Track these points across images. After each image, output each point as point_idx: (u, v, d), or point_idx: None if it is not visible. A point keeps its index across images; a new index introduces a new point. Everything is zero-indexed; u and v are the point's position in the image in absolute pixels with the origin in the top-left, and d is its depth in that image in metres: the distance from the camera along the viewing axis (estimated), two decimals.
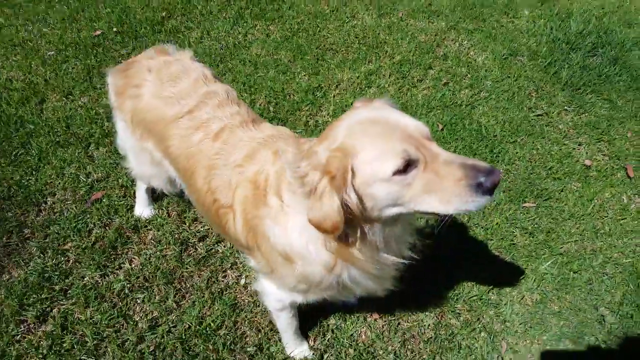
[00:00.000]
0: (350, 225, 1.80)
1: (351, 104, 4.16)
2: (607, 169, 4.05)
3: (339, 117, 1.91)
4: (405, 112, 4.22)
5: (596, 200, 3.81)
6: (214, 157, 2.37)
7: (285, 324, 2.74)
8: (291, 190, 1.92)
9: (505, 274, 3.36)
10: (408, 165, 1.66)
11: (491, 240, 3.53)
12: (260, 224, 2.12)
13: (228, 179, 2.29)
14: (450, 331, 3.08)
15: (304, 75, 4.68)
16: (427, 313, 3.13)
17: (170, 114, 2.52)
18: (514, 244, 3.53)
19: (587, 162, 4.08)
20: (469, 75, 4.84)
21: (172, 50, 2.83)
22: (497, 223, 3.62)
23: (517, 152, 4.14)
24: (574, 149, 4.22)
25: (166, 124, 2.52)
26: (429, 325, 3.09)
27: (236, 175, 2.26)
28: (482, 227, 3.59)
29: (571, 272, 3.39)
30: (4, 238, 3.29)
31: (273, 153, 2.17)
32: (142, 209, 3.50)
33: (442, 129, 4.26)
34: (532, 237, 3.57)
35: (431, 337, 3.04)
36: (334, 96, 4.48)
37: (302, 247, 2.00)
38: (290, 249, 2.05)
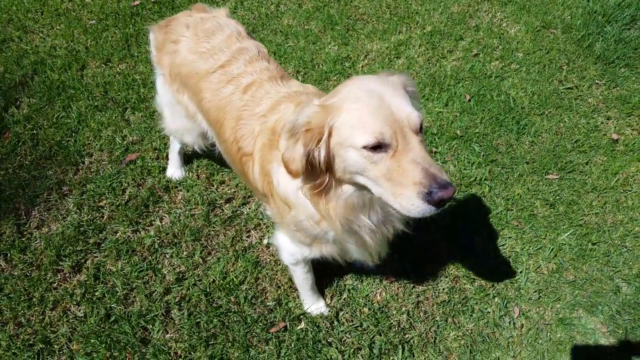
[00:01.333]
0: (323, 177, 1.93)
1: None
2: (635, 143, 4.00)
3: (352, 78, 1.99)
4: (433, 83, 4.29)
5: (621, 174, 3.79)
6: (241, 108, 2.48)
7: (301, 279, 2.88)
8: None
9: (523, 244, 3.41)
10: (379, 146, 1.73)
11: (511, 210, 3.57)
12: (270, 169, 2.24)
13: (252, 128, 2.40)
14: (464, 295, 3.16)
15: (334, 46, 4.74)
16: (442, 278, 3.22)
17: (203, 68, 2.64)
18: (534, 214, 3.56)
19: (615, 136, 4.03)
20: (500, 47, 4.80)
21: (209, 8, 2.96)
22: (518, 194, 3.65)
23: (544, 125, 4.13)
24: (602, 122, 4.18)
25: (200, 78, 2.65)
26: (443, 289, 3.18)
27: (259, 125, 2.37)
28: (503, 198, 3.63)
29: (589, 244, 3.41)
30: (45, 194, 3.51)
31: (295, 105, 2.26)
32: (174, 170, 3.67)
33: (470, 100, 4.28)
34: (553, 208, 3.59)
35: (444, 300, 3.13)
36: (362, 66, 4.54)
37: (293, 192, 2.12)
38: (287, 194, 2.17)
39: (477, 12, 5.21)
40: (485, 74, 4.53)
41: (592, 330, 3.06)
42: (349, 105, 1.80)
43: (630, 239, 3.43)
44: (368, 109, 1.77)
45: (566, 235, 3.44)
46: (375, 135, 1.71)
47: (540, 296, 3.19)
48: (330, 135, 1.82)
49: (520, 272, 3.28)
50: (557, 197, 3.65)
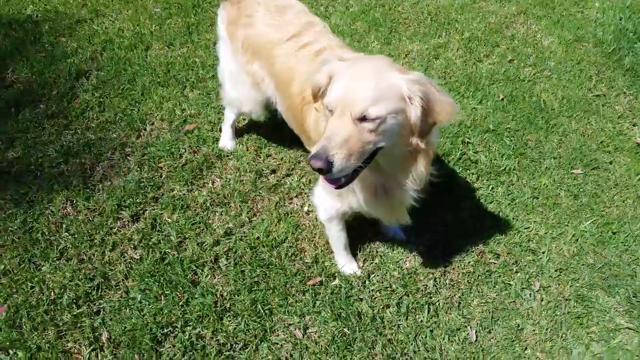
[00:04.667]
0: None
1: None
2: None
3: (376, 56, 2.50)
4: (469, 82, 4.58)
5: None
6: (313, 67, 2.76)
7: (335, 237, 3.16)
8: None
9: (546, 228, 3.63)
10: (328, 108, 2.18)
11: (537, 198, 3.81)
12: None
13: None
14: (488, 269, 3.39)
15: (377, 45, 5.09)
16: (468, 252, 3.45)
17: (277, 37, 2.98)
18: (558, 203, 3.79)
19: (639, 141, 4.27)
20: (533, 55, 5.10)
21: None
22: (544, 184, 3.89)
23: (571, 126, 4.39)
24: (628, 128, 4.42)
25: (273, 46, 2.99)
26: (469, 262, 3.41)
27: None
28: (530, 187, 3.87)
29: (610, 232, 3.62)
30: (108, 153, 3.87)
31: None
32: (226, 141, 4.00)
33: (503, 99, 4.56)
34: (576, 199, 3.82)
35: (470, 271, 3.37)
36: (402, 64, 4.85)
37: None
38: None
39: (513, 24, 5.53)
40: (519, 77, 4.82)
41: (608, 308, 3.25)
42: (345, 70, 2.21)
43: None
44: (345, 80, 2.16)
45: (588, 223, 3.66)
46: (329, 99, 2.16)
47: (560, 275, 3.40)
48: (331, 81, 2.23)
49: (543, 252, 3.50)
50: (580, 190, 3.89)
